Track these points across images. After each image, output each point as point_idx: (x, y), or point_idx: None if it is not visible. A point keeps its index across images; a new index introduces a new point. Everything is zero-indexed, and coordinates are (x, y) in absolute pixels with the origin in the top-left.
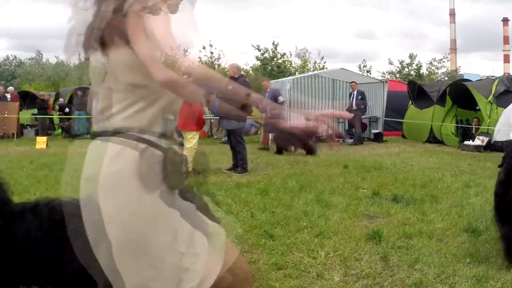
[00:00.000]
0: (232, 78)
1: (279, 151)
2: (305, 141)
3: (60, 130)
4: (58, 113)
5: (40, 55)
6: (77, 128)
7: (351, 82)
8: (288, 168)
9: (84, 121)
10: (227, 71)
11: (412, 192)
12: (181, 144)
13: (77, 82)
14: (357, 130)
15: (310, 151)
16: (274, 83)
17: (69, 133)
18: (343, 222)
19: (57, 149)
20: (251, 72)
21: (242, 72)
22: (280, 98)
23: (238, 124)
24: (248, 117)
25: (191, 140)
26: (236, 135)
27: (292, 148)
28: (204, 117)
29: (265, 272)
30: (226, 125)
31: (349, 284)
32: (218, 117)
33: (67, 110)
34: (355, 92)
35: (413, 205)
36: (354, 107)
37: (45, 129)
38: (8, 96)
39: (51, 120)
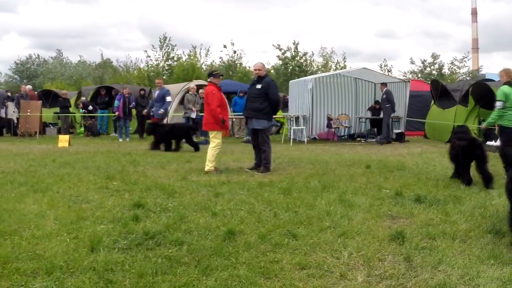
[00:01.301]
0: (260, 77)
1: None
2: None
3: (82, 129)
4: (81, 111)
5: (61, 54)
6: (99, 127)
7: (381, 84)
8: (310, 167)
9: (106, 120)
10: (259, 70)
11: (435, 192)
12: (207, 142)
13: (99, 81)
14: (384, 129)
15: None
16: (295, 83)
17: (91, 132)
18: (366, 222)
19: (79, 148)
20: (272, 71)
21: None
22: (168, 98)
23: (268, 123)
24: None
25: (214, 139)
26: (264, 134)
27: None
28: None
29: (288, 271)
30: (255, 125)
31: (373, 284)
32: (240, 117)
33: (90, 108)
34: (383, 92)
35: (436, 206)
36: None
37: (67, 127)
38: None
39: (73, 118)
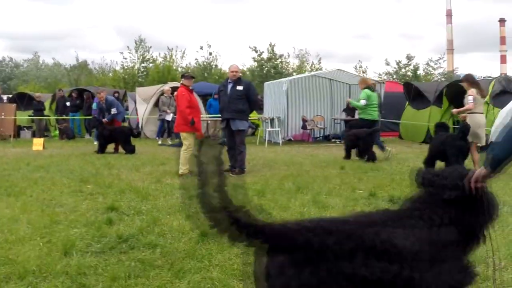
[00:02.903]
0: (238, 78)
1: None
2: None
3: (57, 132)
4: (55, 114)
5: (37, 57)
6: (72, 130)
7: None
8: (285, 169)
9: (78, 122)
10: (235, 71)
11: (409, 193)
12: (180, 145)
13: (74, 84)
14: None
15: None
16: (270, 84)
17: (66, 135)
18: None
19: (54, 151)
20: (247, 73)
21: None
22: (113, 110)
23: (249, 124)
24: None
25: (185, 141)
26: (242, 136)
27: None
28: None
29: None
30: (240, 125)
31: None
32: (215, 119)
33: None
34: None
35: None
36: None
37: (42, 130)
38: (5, 98)
39: (48, 121)
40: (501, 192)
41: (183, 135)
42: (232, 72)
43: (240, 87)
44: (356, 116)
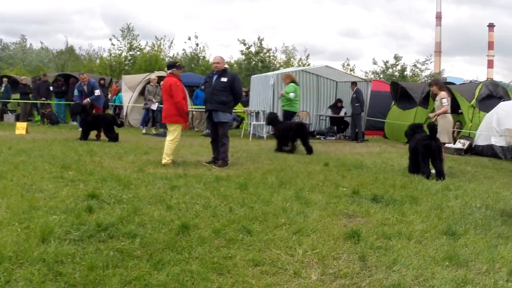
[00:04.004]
0: (223, 70)
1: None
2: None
3: (39, 117)
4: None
5: (25, 40)
6: (57, 115)
7: (352, 83)
8: (269, 163)
9: (63, 108)
10: (218, 63)
11: (392, 192)
12: (165, 135)
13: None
14: (359, 128)
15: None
16: (257, 78)
17: (50, 120)
18: (322, 220)
19: (37, 135)
20: (235, 66)
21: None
22: (96, 92)
23: (232, 117)
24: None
25: (173, 132)
26: (225, 128)
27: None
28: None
29: (241, 268)
30: (222, 117)
31: (327, 283)
32: (200, 110)
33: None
34: (353, 92)
35: (392, 206)
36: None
37: (26, 114)
38: None
39: (33, 105)
40: (484, 196)
41: (172, 126)
42: (214, 63)
43: (224, 79)
44: (342, 114)
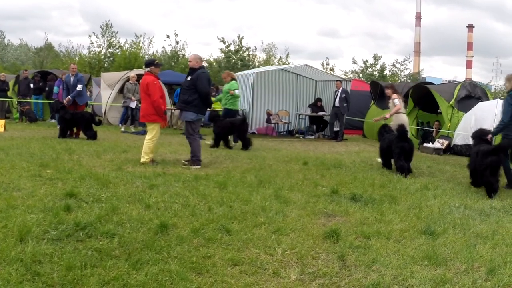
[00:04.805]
0: (192, 69)
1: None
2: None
3: (18, 114)
4: (17, 96)
5: (3, 36)
6: (35, 113)
7: (336, 81)
8: (248, 162)
9: (41, 106)
10: (190, 62)
11: (371, 191)
12: (144, 133)
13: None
14: (341, 128)
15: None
16: (237, 76)
17: (29, 117)
18: (301, 219)
19: (15, 133)
20: (214, 64)
21: (205, 63)
22: (79, 86)
23: (196, 116)
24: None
25: (151, 131)
26: (190, 127)
27: None
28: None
29: (220, 267)
30: (184, 116)
31: (306, 282)
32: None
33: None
34: (339, 91)
35: (371, 205)
36: (337, 104)
37: (3, 111)
38: None
39: (10, 103)
40: (463, 195)
41: (151, 125)
42: (189, 62)
43: (189, 78)
44: (320, 113)
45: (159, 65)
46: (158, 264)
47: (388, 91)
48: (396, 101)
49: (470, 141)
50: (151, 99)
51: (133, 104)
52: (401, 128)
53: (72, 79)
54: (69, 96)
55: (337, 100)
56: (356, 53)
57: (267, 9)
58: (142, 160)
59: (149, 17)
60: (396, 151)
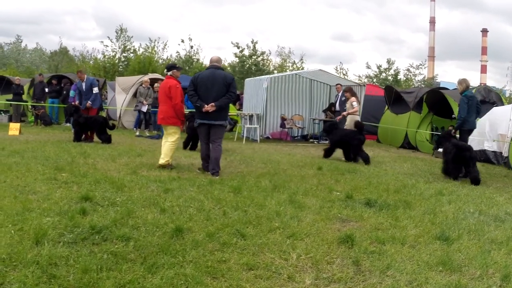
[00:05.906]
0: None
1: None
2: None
3: (33, 118)
4: (32, 100)
5: (20, 41)
6: (50, 116)
7: (336, 85)
8: (262, 167)
9: (57, 109)
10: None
11: (386, 197)
12: (159, 137)
13: (54, 70)
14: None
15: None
16: (251, 81)
17: (44, 121)
18: (316, 224)
19: (30, 137)
20: (228, 68)
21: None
22: (95, 89)
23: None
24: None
25: (174, 134)
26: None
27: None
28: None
29: (235, 272)
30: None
31: (320, 287)
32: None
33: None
34: (339, 94)
35: (386, 210)
36: (338, 108)
37: (19, 115)
38: None
39: (25, 106)
40: (477, 201)
41: (172, 128)
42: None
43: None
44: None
45: (180, 68)
46: (174, 268)
47: (347, 94)
48: (355, 103)
49: (485, 147)
50: (173, 102)
51: (144, 108)
52: (359, 123)
53: (83, 84)
54: (88, 101)
55: (337, 104)
56: (368, 57)
57: (279, 14)
58: (162, 161)
59: (161, 22)
60: (355, 142)
